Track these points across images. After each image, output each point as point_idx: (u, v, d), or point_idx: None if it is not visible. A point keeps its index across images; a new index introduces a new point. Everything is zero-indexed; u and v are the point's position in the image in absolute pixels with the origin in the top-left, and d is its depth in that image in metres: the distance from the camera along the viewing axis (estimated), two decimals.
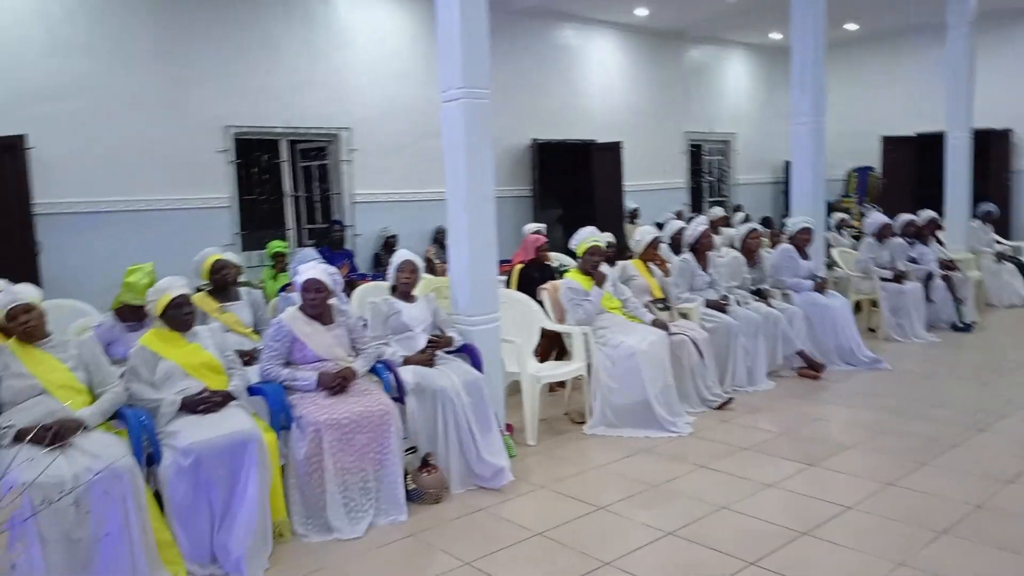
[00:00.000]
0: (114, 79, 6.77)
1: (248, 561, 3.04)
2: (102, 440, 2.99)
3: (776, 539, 3.18)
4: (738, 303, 5.76)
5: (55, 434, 2.86)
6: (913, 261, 7.44)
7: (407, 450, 3.80)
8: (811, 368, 5.79)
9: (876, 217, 7.38)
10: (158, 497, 3.08)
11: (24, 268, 5.70)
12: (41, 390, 3.05)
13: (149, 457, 3.13)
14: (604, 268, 5.07)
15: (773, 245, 7.50)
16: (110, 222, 6.76)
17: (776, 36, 12.05)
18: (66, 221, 6.53)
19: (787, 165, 10.72)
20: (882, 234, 7.23)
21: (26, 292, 3.17)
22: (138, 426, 3.13)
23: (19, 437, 2.84)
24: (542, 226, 7.25)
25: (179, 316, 3.45)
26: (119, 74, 6.79)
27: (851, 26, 11.60)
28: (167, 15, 7.02)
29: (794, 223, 6.42)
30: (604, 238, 5.22)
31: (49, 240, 6.30)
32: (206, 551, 3.11)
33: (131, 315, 4.00)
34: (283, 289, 5.64)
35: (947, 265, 7.59)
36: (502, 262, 6.14)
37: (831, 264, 7.55)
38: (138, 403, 3.27)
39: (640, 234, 5.74)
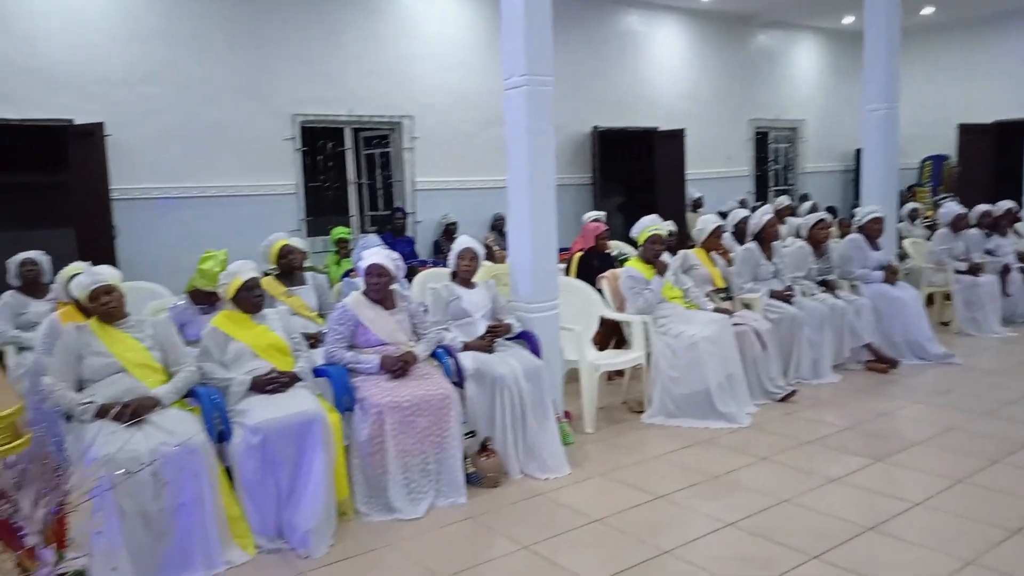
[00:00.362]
0: (189, 68, 6.98)
1: (314, 537, 3.13)
2: (177, 417, 3.11)
3: (841, 534, 3.11)
4: (803, 294, 5.63)
5: (133, 411, 2.99)
6: (989, 253, 7.14)
7: (466, 434, 3.84)
8: (880, 362, 5.63)
9: (950, 207, 7.11)
10: (228, 474, 3.20)
11: (102, 251, 5.96)
12: (119, 368, 3.18)
13: (220, 434, 3.24)
14: (665, 257, 5.02)
15: (841, 235, 7.29)
16: (183, 207, 6.99)
17: (848, 20, 11.67)
18: (141, 206, 6.79)
19: (857, 153, 10.43)
20: (957, 225, 6.96)
21: (107, 274, 3.30)
22: (210, 404, 3.24)
23: (99, 413, 2.98)
24: (602, 214, 7.22)
25: (249, 299, 3.55)
26: (194, 63, 7.00)
27: (928, 11, 11.17)
28: (241, 5, 7.20)
29: (864, 212, 6.24)
30: (665, 226, 5.16)
31: (125, 224, 6.56)
32: (273, 526, 3.21)
33: (204, 298, 4.13)
34: (346, 274, 5.75)
35: None
36: (561, 250, 6.14)
37: (902, 255, 7.31)
38: (210, 382, 3.38)
39: (702, 223, 5.66)
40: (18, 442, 1.36)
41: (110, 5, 6.60)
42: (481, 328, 4.19)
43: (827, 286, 5.82)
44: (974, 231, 7.16)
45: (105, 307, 3.25)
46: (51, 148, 6.24)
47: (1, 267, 5.18)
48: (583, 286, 5.15)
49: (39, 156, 6.44)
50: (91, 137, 6.28)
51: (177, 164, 6.97)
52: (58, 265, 4.66)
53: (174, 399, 3.23)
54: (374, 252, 3.93)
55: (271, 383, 3.40)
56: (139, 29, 6.73)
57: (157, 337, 3.34)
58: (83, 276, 3.27)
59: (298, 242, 4.96)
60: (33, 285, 4.94)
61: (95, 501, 2.18)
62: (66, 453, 2.92)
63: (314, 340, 4.24)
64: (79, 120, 6.34)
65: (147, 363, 3.25)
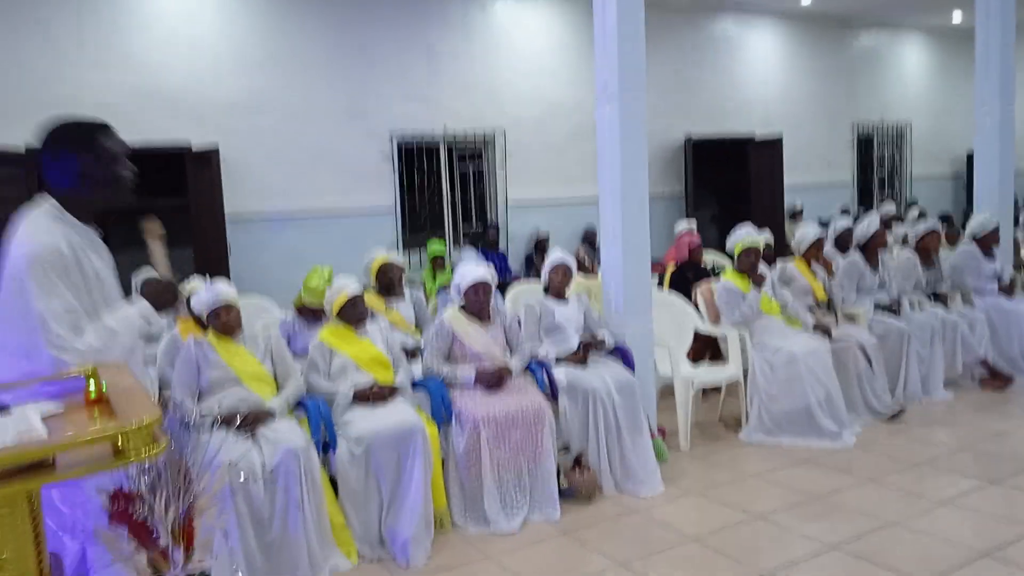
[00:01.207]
0: (293, 92, 7.34)
1: (413, 546, 3.23)
2: (286, 427, 3.27)
3: (953, 559, 2.98)
4: (912, 306, 5.39)
5: (252, 422, 3.17)
6: None
7: (560, 449, 3.87)
8: (996, 378, 5.32)
9: None
10: (333, 483, 3.34)
11: (217, 266, 6.32)
12: (236, 380, 3.38)
13: (325, 444, 3.39)
14: (763, 269, 4.92)
15: (951, 244, 6.95)
16: (288, 226, 7.33)
17: (958, 18, 11.10)
18: (251, 225, 7.16)
19: (969, 157, 9.90)
20: None
21: (228, 292, 3.51)
22: (317, 414, 3.40)
23: (219, 423, 3.17)
24: (692, 222, 7.12)
25: (354, 313, 3.71)
26: (298, 88, 7.36)
27: None
28: (339, 32, 7.52)
29: (978, 221, 5.92)
30: (762, 237, 5.06)
31: (236, 241, 6.93)
32: (375, 535, 3.34)
33: (309, 312, 4.33)
34: (442, 289, 5.89)
35: None
36: (654, 262, 6.11)
37: (1020, 266, 6.89)
38: (315, 393, 3.55)
39: (801, 233, 5.51)
40: (157, 448, 1.49)
41: (217, 38, 7.03)
42: (574, 342, 4.22)
43: (938, 298, 5.56)
44: None
45: (226, 323, 3.46)
46: (172, 172, 6.67)
47: (128, 284, 5.56)
48: (677, 299, 5.11)
49: (161, 180, 6.90)
50: (207, 160, 6.68)
51: (282, 185, 7.32)
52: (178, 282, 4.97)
53: (286, 410, 3.40)
54: (473, 266, 4.01)
55: (373, 395, 3.53)
56: (249, 57, 7.13)
57: (269, 350, 3.53)
58: (205, 293, 3.48)
59: (396, 258, 5.14)
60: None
61: (218, 506, 2.33)
62: (192, 461, 3.12)
63: (411, 354, 4.37)
64: (195, 144, 6.76)
65: (260, 375, 3.43)
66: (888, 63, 11.69)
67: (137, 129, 6.61)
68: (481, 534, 3.46)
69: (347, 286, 3.71)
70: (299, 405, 3.48)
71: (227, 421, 3.13)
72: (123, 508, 1.82)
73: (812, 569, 3.00)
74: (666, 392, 4.65)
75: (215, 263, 6.49)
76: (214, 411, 3.21)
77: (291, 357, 3.67)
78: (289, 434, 3.20)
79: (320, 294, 4.04)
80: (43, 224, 2.04)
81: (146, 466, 1.84)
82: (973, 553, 3.02)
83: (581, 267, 7.29)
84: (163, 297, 2.22)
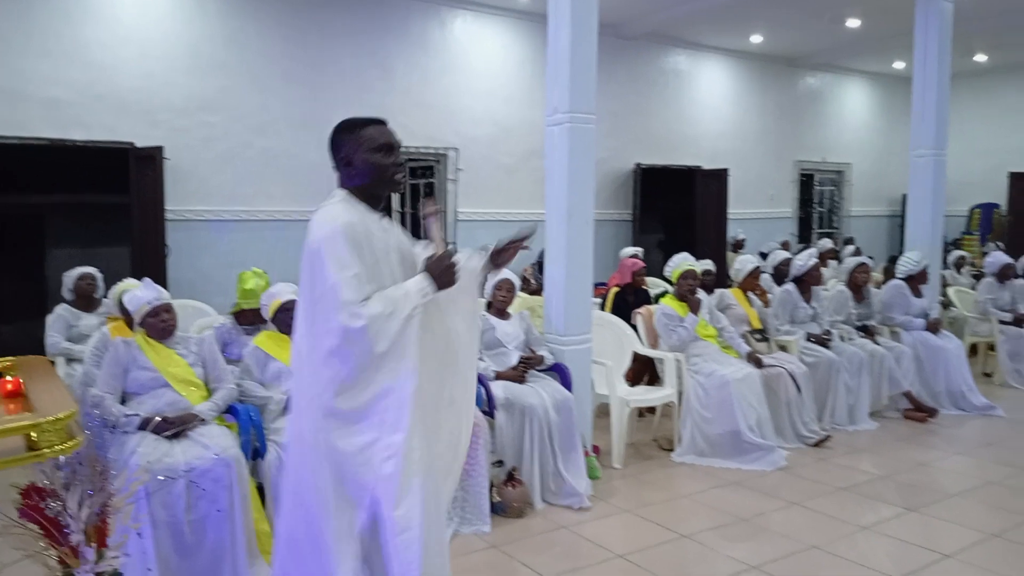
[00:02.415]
0: (245, 98, 7.26)
1: None
2: (215, 432, 3.21)
3: None
4: (842, 338, 5.57)
5: (175, 424, 3.10)
6: None
7: (494, 463, 3.88)
8: (919, 410, 5.53)
9: (997, 256, 6.98)
10: (260, 490, 3.28)
11: (154, 269, 6.18)
12: (163, 382, 3.30)
13: (255, 451, 3.34)
14: (701, 295, 5.03)
15: (885, 281, 7.20)
16: (232, 229, 7.22)
17: (899, 65, 11.61)
18: (194, 227, 7.03)
19: (904, 198, 10.33)
20: (1004, 274, 6.83)
21: (165, 293, 3.45)
22: (248, 421, 3.35)
23: (143, 425, 3.10)
24: (639, 250, 7.26)
25: (288, 320, 3.64)
26: (250, 93, 7.28)
27: (981, 58, 11.07)
28: (296, 39, 7.47)
29: (908, 260, 6.16)
30: (701, 265, 5.18)
31: (177, 244, 6.79)
32: None
33: (248, 319, 4.26)
34: None
35: None
36: (598, 285, 6.19)
37: (946, 303, 7.19)
38: (249, 399, 3.49)
39: (740, 263, 5.67)
40: (72, 443, 1.46)
41: (174, 39, 6.91)
42: (514, 359, 4.24)
43: (867, 331, 5.76)
44: (1021, 281, 7.01)
45: (164, 324, 3.39)
46: (114, 171, 6.53)
47: (58, 281, 5.40)
48: (617, 321, 5.19)
49: (103, 178, 6.74)
50: (151, 160, 6.55)
51: (229, 189, 7.21)
52: (108, 282, 4.86)
53: (215, 415, 3.33)
54: None
55: None
56: (203, 60, 7.03)
57: (200, 354, 3.47)
58: (144, 292, 3.40)
59: None
60: (86, 299, 5.14)
61: (134, 506, 2.28)
62: (110, 459, 3.04)
63: None
64: (142, 143, 6.62)
65: (190, 379, 3.37)
66: (832, 105, 12.13)
67: (83, 125, 6.48)
68: None
69: (283, 292, 3.67)
70: (230, 411, 3.42)
71: (152, 424, 3.06)
72: (36, 503, 1.78)
73: None
74: (602, 411, 4.70)
75: (152, 264, 6.34)
76: (139, 413, 3.13)
77: (224, 362, 3.60)
78: (217, 439, 3.14)
79: (255, 296, 3.99)
80: (335, 208, 2.22)
81: (61, 462, 1.79)
82: None
83: (528, 285, 7.35)
84: (445, 275, 2.25)
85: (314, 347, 2.14)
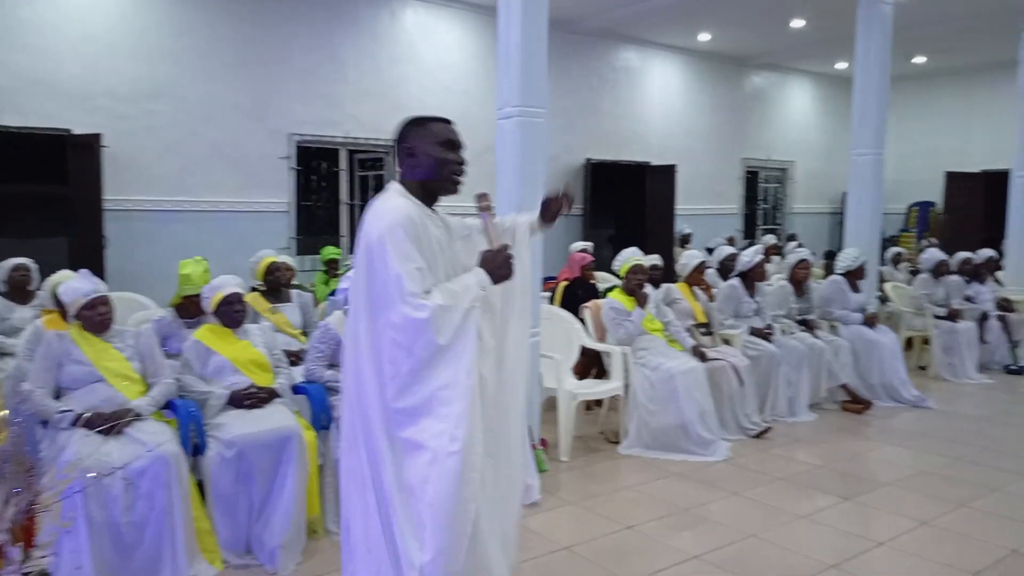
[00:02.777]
0: (191, 85, 7.08)
1: (282, 553, 3.15)
2: (152, 428, 3.14)
3: (803, 570, 3.16)
4: (783, 332, 5.71)
5: (109, 419, 3.02)
6: (969, 300, 7.26)
7: None
8: (855, 402, 5.70)
9: (932, 253, 7.23)
10: (201, 487, 3.22)
11: (91, 261, 5.98)
12: (98, 377, 3.21)
13: (195, 447, 3.27)
14: (648, 290, 5.10)
15: (826, 276, 7.40)
16: (175, 220, 7.05)
17: (842, 66, 11.90)
18: (134, 217, 6.84)
19: (845, 196, 10.61)
20: (938, 271, 7.08)
21: (102, 285, 3.35)
22: (187, 416, 3.28)
23: (76, 420, 3.02)
24: (589, 244, 7.31)
25: (231, 313, 3.60)
26: (195, 80, 7.10)
27: (919, 60, 11.42)
28: (244, 27, 7.32)
29: (847, 256, 6.33)
30: (648, 259, 5.24)
31: (117, 235, 6.61)
32: (243, 541, 3.24)
33: (189, 312, 4.18)
34: (333, 294, 5.80)
35: (1004, 305, 7.38)
36: (547, 279, 6.22)
37: (883, 298, 7.41)
38: (188, 394, 3.42)
39: (686, 258, 5.75)
40: None
41: (119, 24, 6.70)
42: None
43: (807, 325, 5.91)
44: (955, 277, 7.28)
45: (101, 317, 3.29)
46: (51, 159, 6.31)
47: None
48: (565, 315, 5.22)
49: (39, 167, 6.51)
50: (88, 148, 6.35)
51: (172, 178, 7.04)
52: (44, 273, 4.70)
53: (152, 411, 3.26)
54: None
55: (249, 398, 3.44)
56: (146, 46, 6.83)
57: (138, 348, 3.38)
58: (80, 284, 3.29)
59: (287, 260, 5.03)
60: (20, 291, 4.97)
61: (64, 504, 2.22)
62: (40, 456, 2.95)
63: (295, 358, 4.29)
64: (80, 130, 6.41)
65: (126, 373, 3.28)
66: (777, 104, 12.39)
67: (18, 111, 6.25)
68: None
69: (225, 284, 3.61)
70: (168, 406, 3.35)
71: (87, 420, 2.97)
72: None
73: None
74: (550, 405, 4.73)
75: (89, 256, 6.15)
76: (73, 409, 3.04)
77: (163, 356, 3.52)
78: (155, 435, 3.07)
79: (198, 279, 3.92)
80: (394, 201, 2.24)
81: None
82: (822, 565, 3.21)
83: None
84: (502, 268, 2.27)
85: (374, 342, 2.15)
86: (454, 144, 2.35)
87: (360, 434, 2.20)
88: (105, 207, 6.50)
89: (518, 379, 2.44)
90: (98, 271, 5.49)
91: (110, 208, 6.57)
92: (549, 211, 2.49)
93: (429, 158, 2.30)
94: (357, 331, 2.21)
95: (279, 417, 3.39)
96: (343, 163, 8.33)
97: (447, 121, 2.39)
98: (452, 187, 2.36)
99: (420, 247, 2.16)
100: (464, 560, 2.10)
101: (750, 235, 12.07)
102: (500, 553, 2.27)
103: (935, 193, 12.14)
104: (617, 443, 4.80)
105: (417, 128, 2.35)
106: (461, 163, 2.35)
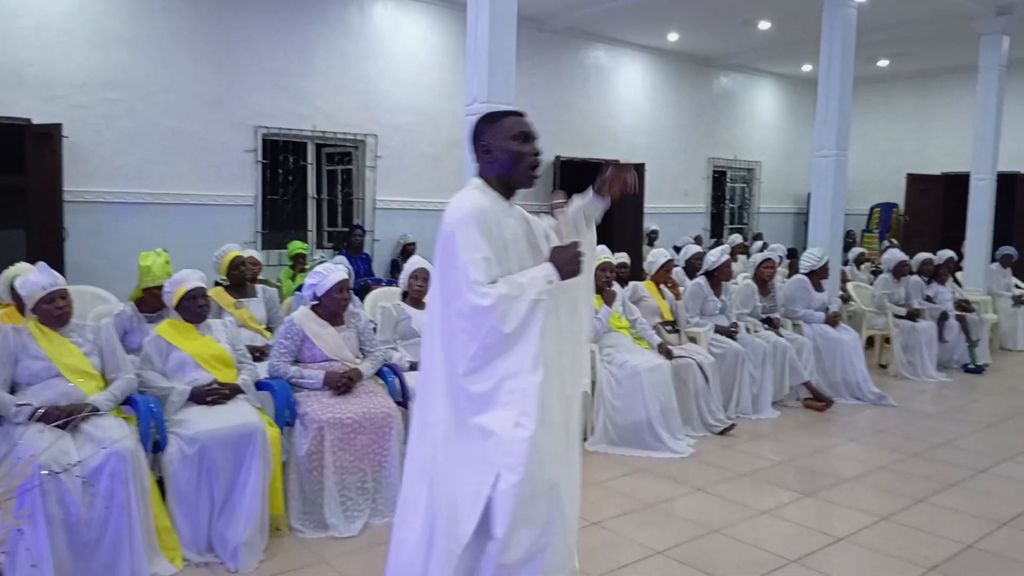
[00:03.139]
0: (152, 75, 6.95)
1: (244, 551, 3.11)
2: (111, 424, 3.07)
3: (765, 565, 3.20)
4: (748, 330, 5.78)
5: (66, 414, 2.95)
6: (928, 300, 7.42)
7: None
8: (817, 400, 5.79)
9: (893, 253, 7.37)
10: (161, 485, 3.17)
11: (51, 254, 5.85)
12: (56, 372, 3.14)
13: (155, 444, 3.21)
14: (615, 288, 5.12)
15: (791, 275, 7.50)
16: (137, 213, 6.92)
17: (807, 68, 12.07)
18: (95, 209, 6.70)
19: (809, 196, 10.77)
20: (899, 271, 7.21)
21: (61, 278, 3.27)
22: (147, 412, 3.22)
23: (33, 416, 2.95)
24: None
25: (193, 308, 3.54)
26: (158, 70, 6.97)
27: (883, 63, 11.62)
28: (208, 16, 7.20)
29: (810, 255, 6.42)
30: (616, 257, 5.26)
31: (77, 227, 6.47)
32: (204, 539, 3.19)
33: (150, 306, 4.10)
34: (299, 289, 5.74)
35: (963, 306, 7.55)
36: None
37: (846, 298, 7.53)
38: (149, 390, 3.36)
39: (653, 256, 5.79)
40: None
41: (74, 10, 6.55)
42: None
43: (771, 324, 5.98)
44: (915, 278, 7.42)
45: (60, 311, 3.22)
46: (9, 149, 6.15)
47: None
48: None
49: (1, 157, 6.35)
50: (48, 138, 6.20)
51: (134, 170, 6.91)
52: (1, 265, 4.57)
53: (111, 406, 3.19)
54: (332, 266, 3.93)
55: (211, 394, 3.39)
56: (106, 33, 6.69)
57: (97, 343, 3.31)
58: (38, 277, 3.21)
59: (253, 254, 4.97)
60: None
61: (19, 501, 2.17)
62: None
63: (260, 353, 4.24)
64: (38, 120, 6.26)
65: (85, 369, 3.21)
66: (744, 105, 12.52)
67: None
68: (319, 539, 3.39)
69: (188, 278, 3.55)
70: (128, 402, 3.28)
71: (43, 414, 2.90)
72: None
73: (637, 573, 3.14)
74: None
75: (49, 248, 6.01)
76: (31, 403, 2.97)
77: (123, 351, 3.45)
78: (114, 431, 3.01)
79: (159, 270, 3.86)
80: (469, 194, 2.31)
81: None
82: (783, 560, 3.25)
83: None
84: (570, 264, 2.32)
85: (447, 328, 2.23)
86: (528, 136, 2.38)
87: (428, 420, 2.28)
88: (65, 199, 6.35)
89: (584, 367, 2.57)
90: (57, 264, 5.38)
91: (70, 200, 6.42)
92: (606, 187, 2.47)
93: (505, 153, 2.34)
94: (433, 320, 2.30)
95: (242, 413, 3.34)
96: (311, 157, 8.24)
97: (519, 114, 2.42)
98: (529, 180, 2.40)
99: (491, 238, 2.22)
100: (542, 543, 2.19)
101: (717, 234, 12.19)
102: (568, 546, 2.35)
103: (897, 194, 12.37)
104: (584, 440, 4.82)
105: (491, 125, 2.38)
106: (537, 154, 2.38)
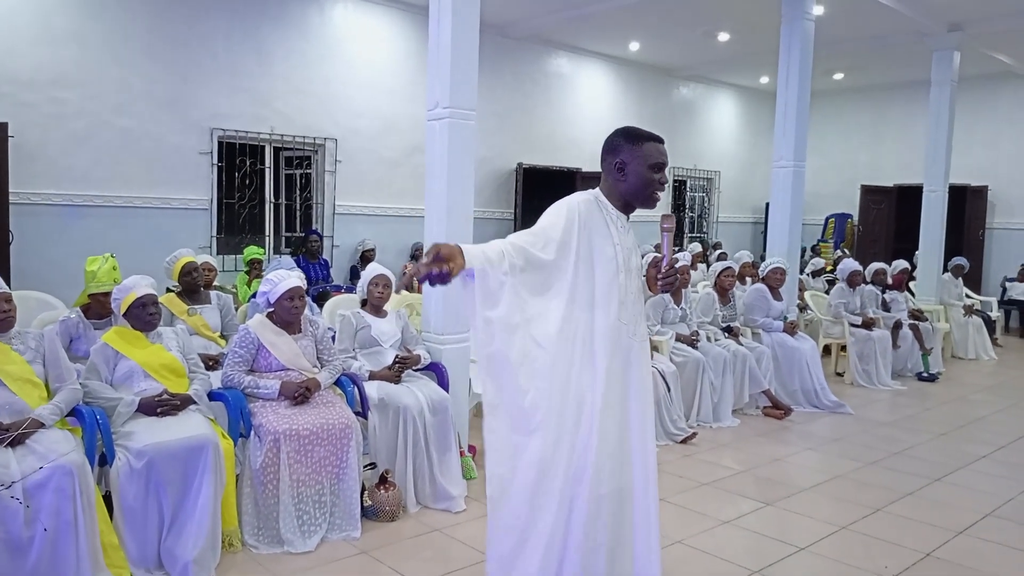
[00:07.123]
0: (102, 73, 6.74)
1: (195, 568, 3.00)
2: (55, 437, 2.93)
3: None
4: (708, 339, 5.80)
5: (10, 431, 2.81)
6: (886, 307, 7.55)
7: (366, 466, 3.77)
8: (776, 408, 5.84)
9: (848, 263, 7.49)
10: (108, 499, 3.04)
11: None
12: None
13: (102, 457, 3.08)
14: None
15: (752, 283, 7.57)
16: (86, 215, 6.70)
17: (765, 80, 12.25)
18: (42, 211, 6.47)
19: (767, 206, 10.91)
20: (853, 280, 7.33)
21: (2, 282, 3.14)
22: (93, 424, 3.08)
23: None
24: None
25: (143, 316, 3.41)
26: (108, 69, 6.77)
27: (839, 76, 11.85)
28: (162, 14, 7.01)
29: (768, 263, 6.50)
30: None
31: (21, 230, 6.22)
32: (153, 556, 3.07)
33: (97, 313, 3.95)
34: (255, 296, 5.61)
35: (916, 315, 7.71)
36: None
37: (803, 307, 7.63)
38: (95, 401, 3.22)
39: None
40: None
41: (20, 5, 6.32)
42: (389, 358, 4.14)
43: (731, 332, 6.02)
44: (870, 287, 7.55)
45: (3, 316, 3.07)
46: None
47: None
48: None
49: None
50: None
51: (84, 171, 6.69)
52: None
53: (55, 419, 3.04)
54: (292, 274, 3.82)
55: (161, 405, 3.27)
56: (53, 29, 6.47)
57: (40, 350, 3.16)
58: None
59: (207, 260, 4.83)
60: None
61: None
62: None
63: (213, 362, 4.11)
64: None
65: (27, 378, 3.06)
66: (703, 115, 12.66)
67: None
68: (273, 554, 3.28)
69: (137, 285, 3.41)
70: (73, 413, 3.14)
71: None
72: None
73: None
74: (480, 411, 4.66)
75: None
76: None
77: (67, 360, 3.31)
78: (58, 445, 2.87)
79: (105, 276, 3.72)
80: (584, 193, 2.44)
81: None
82: (745, 571, 3.25)
83: (408, 285, 7.23)
84: (664, 283, 2.46)
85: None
86: (663, 167, 2.42)
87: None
88: (10, 200, 6.11)
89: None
90: (1, 268, 5.17)
91: (15, 202, 6.18)
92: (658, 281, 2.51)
93: (639, 179, 2.40)
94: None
95: (193, 425, 3.23)
96: (268, 160, 8.08)
97: (660, 140, 2.45)
98: (652, 204, 2.47)
99: (579, 234, 2.32)
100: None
101: (677, 243, 12.28)
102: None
103: (851, 205, 12.61)
104: None
105: (631, 145, 2.40)
106: (664, 183, 2.44)
